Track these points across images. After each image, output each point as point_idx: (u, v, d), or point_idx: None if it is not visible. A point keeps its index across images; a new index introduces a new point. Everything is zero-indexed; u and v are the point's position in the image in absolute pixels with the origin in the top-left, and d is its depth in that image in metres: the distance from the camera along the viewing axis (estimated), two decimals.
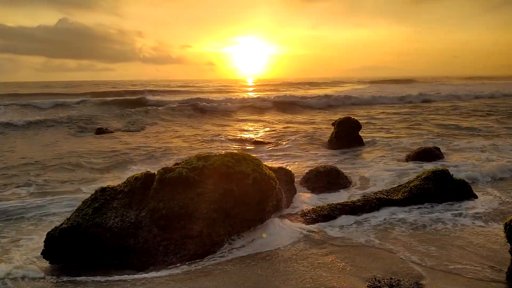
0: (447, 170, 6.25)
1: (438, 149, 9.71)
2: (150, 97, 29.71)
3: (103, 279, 4.13)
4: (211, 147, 12.04)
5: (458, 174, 7.08)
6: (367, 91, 41.21)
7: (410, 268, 3.92)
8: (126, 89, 45.47)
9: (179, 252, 4.44)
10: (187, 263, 4.31)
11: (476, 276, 3.72)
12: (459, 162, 8.76)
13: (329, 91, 41.59)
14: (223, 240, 4.63)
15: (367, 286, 3.60)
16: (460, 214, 5.51)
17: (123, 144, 12.77)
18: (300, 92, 40.36)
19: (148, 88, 46.00)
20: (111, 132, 15.68)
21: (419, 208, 5.74)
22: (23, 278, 4.19)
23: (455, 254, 4.23)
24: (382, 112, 21.81)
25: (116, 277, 4.13)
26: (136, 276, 4.14)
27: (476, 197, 6.12)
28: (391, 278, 3.71)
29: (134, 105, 25.17)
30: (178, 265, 4.30)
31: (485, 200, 6.11)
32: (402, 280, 3.66)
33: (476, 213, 5.53)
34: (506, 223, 3.64)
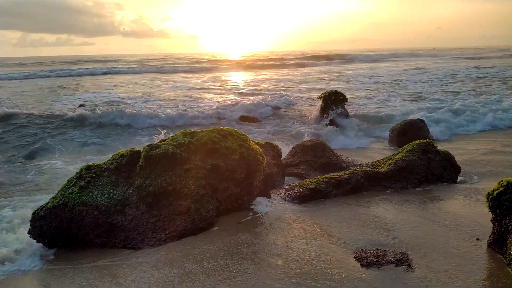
0: (432, 141, 6.32)
1: (423, 120, 9.82)
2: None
3: (90, 258, 4.12)
4: None
5: None
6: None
7: (395, 239, 3.99)
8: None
9: (168, 229, 4.44)
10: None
11: (460, 245, 3.82)
12: None
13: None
14: (212, 216, 4.64)
15: (354, 257, 3.67)
16: (443, 185, 5.62)
17: None
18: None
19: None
20: None
21: (404, 180, 5.82)
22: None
23: (439, 224, 4.32)
24: None
25: (103, 256, 4.13)
26: (124, 253, 4.14)
27: (459, 168, 6.23)
28: (377, 249, 3.78)
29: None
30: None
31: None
32: (388, 251, 3.73)
33: (460, 182, 5.65)
34: (488, 193, 3.72)
